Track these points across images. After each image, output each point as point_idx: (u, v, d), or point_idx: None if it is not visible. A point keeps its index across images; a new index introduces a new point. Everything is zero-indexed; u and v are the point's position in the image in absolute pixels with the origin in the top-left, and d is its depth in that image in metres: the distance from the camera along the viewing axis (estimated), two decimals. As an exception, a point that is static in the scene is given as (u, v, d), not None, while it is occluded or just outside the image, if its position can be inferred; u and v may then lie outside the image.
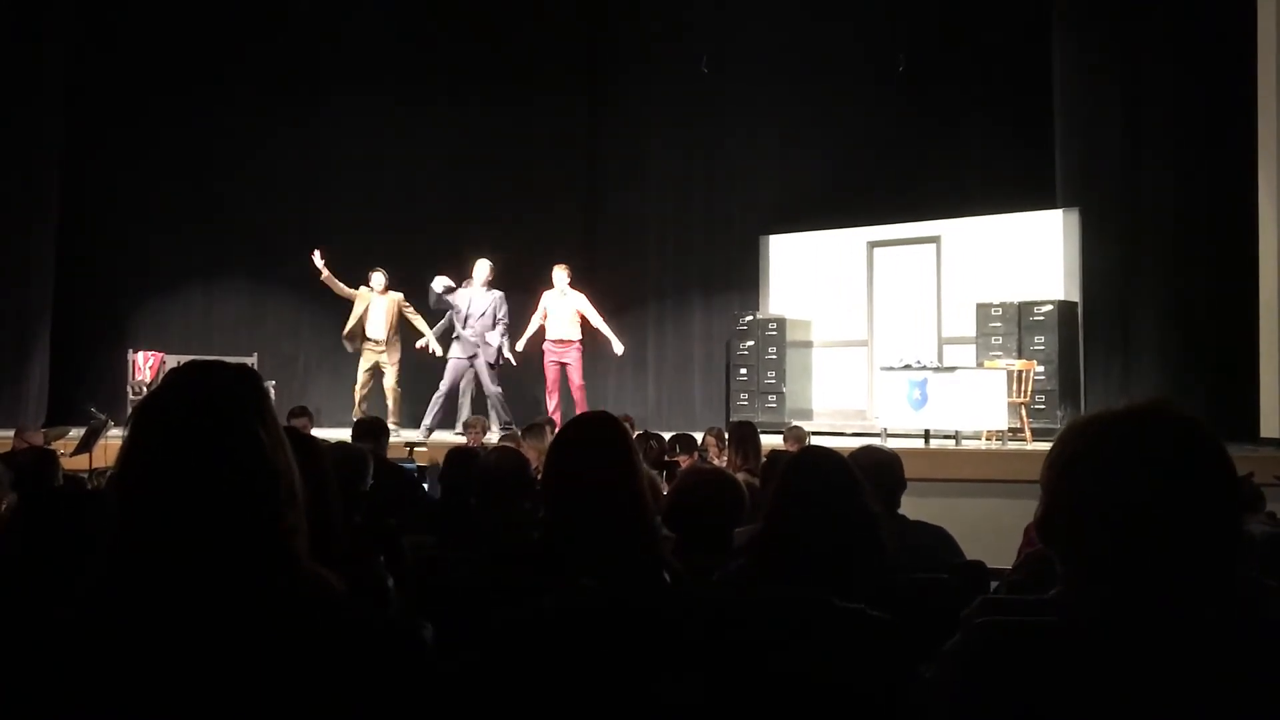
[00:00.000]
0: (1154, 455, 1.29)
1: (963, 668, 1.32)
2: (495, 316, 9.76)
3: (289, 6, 11.77)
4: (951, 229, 10.47)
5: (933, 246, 10.58)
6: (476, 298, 9.75)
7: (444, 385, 9.80)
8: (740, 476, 3.67)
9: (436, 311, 10.17)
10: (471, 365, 9.81)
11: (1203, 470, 1.29)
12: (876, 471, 3.11)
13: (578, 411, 9.55)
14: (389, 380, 10.11)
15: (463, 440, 8.09)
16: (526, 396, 10.77)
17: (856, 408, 10.71)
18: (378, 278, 10.08)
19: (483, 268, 9.82)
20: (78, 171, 11.32)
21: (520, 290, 10.29)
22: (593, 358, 10.93)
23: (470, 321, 9.73)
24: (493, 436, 8.31)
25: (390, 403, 10.03)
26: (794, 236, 11.37)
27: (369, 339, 10.06)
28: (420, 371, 10.55)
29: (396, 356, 10.16)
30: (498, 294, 9.83)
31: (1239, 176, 8.48)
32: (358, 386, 10.14)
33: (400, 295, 10.17)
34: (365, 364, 10.10)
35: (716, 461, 6.33)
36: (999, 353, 9.34)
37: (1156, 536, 1.26)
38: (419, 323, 10.15)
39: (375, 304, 10.06)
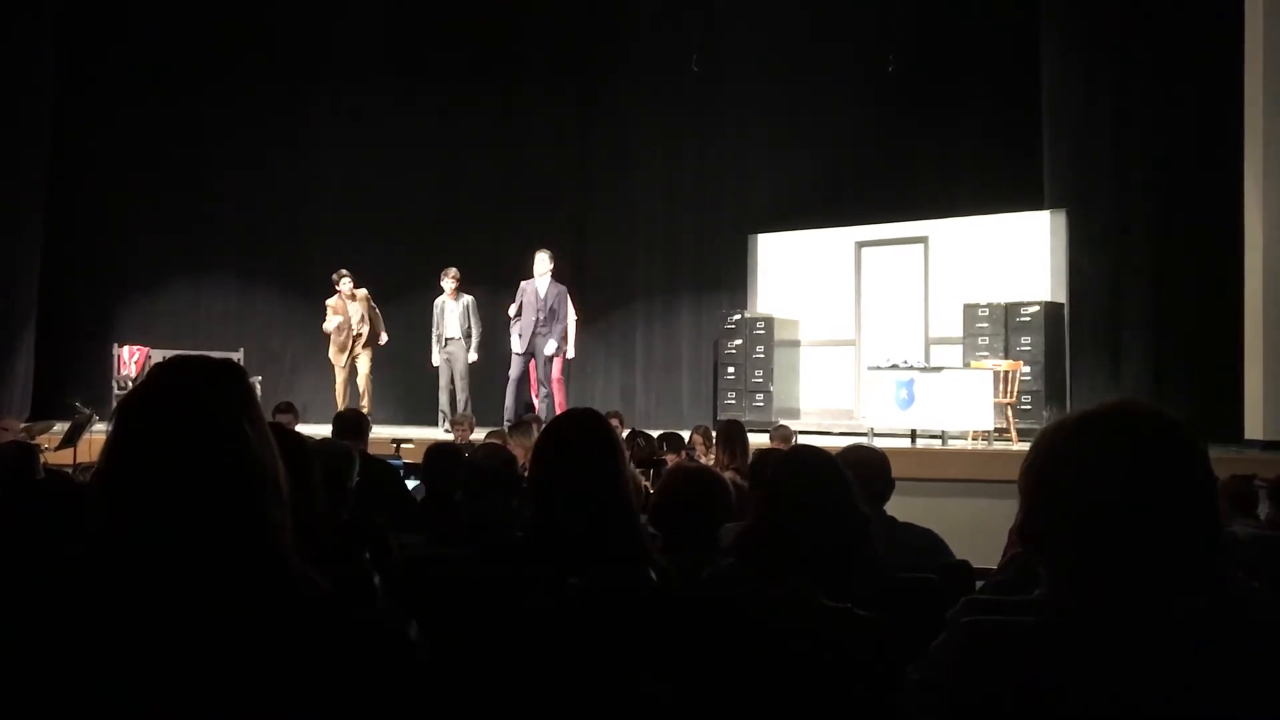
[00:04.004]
0: (1128, 453, 1.29)
1: (947, 667, 1.32)
2: (556, 308, 9.76)
3: (280, 5, 11.72)
4: (939, 229, 10.50)
5: (920, 247, 10.60)
6: (542, 287, 9.76)
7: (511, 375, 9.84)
8: (727, 475, 3.67)
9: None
10: (529, 357, 9.79)
11: (1177, 466, 1.29)
12: (862, 470, 3.11)
13: (556, 405, 9.60)
14: (363, 371, 10.21)
15: (448, 437, 8.07)
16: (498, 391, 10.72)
17: (844, 407, 10.73)
18: (345, 282, 10.16)
19: (543, 259, 9.77)
20: (65, 166, 11.27)
21: (509, 289, 10.28)
22: (583, 355, 10.93)
23: (539, 312, 9.70)
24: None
25: (364, 393, 10.07)
26: (782, 236, 11.38)
27: (348, 334, 10.12)
28: (401, 365, 10.54)
29: (371, 349, 10.22)
30: (561, 286, 9.87)
31: (1225, 179, 8.52)
32: (338, 382, 10.21)
33: (365, 291, 10.23)
34: (342, 359, 10.19)
35: (704, 460, 6.33)
36: (985, 353, 9.37)
37: (1134, 534, 1.26)
38: (377, 316, 10.25)
39: (346, 307, 10.17)
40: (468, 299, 10.20)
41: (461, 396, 10.06)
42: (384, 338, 10.30)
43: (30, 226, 10.96)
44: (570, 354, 10.29)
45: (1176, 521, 1.27)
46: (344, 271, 10.17)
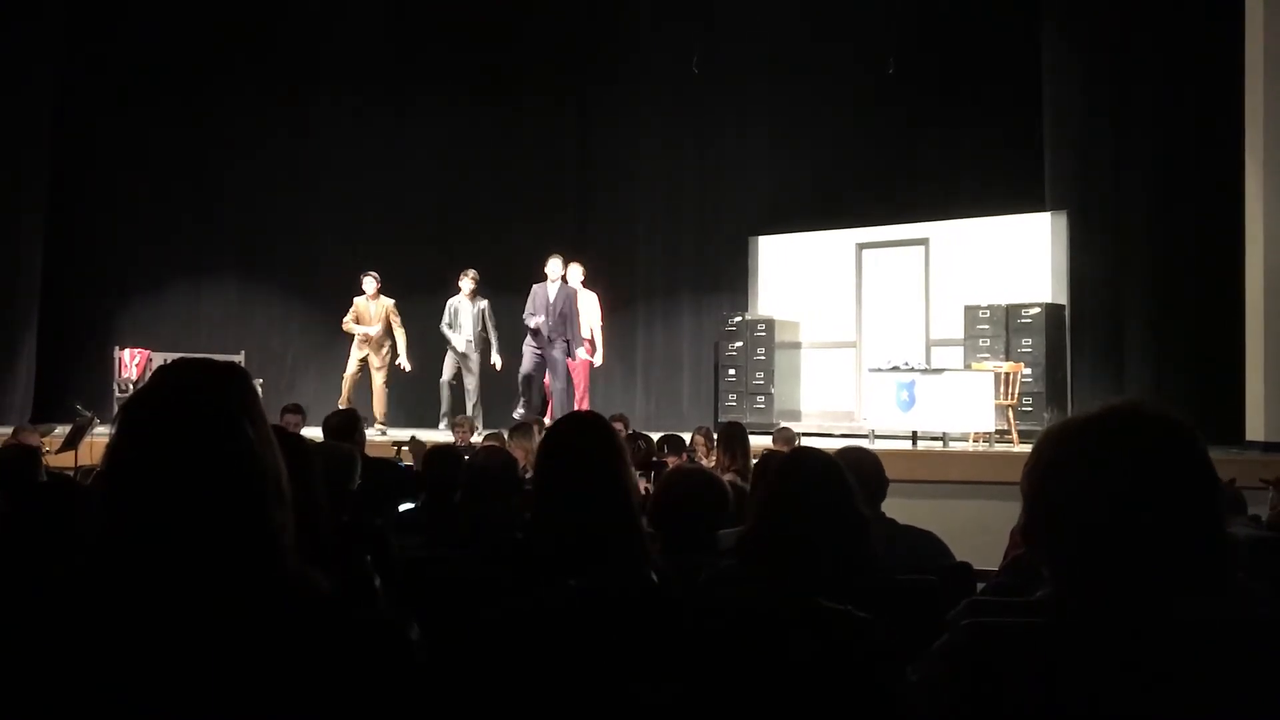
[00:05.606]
0: (1130, 454, 1.29)
1: (948, 668, 1.32)
2: (565, 312, 9.61)
3: (280, 7, 11.74)
4: (940, 231, 10.49)
5: (921, 248, 10.60)
6: (552, 292, 9.63)
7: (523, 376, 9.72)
8: (728, 477, 3.68)
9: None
10: (541, 359, 9.65)
11: (1180, 467, 1.29)
12: (856, 472, 3.10)
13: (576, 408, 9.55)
14: (378, 381, 10.09)
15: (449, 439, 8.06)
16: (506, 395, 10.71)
17: (845, 409, 10.72)
18: (369, 282, 10.08)
19: (554, 265, 9.66)
20: (66, 168, 11.28)
21: (510, 292, 10.27)
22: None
23: (548, 317, 9.57)
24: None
25: (378, 403, 10.00)
26: (783, 238, 11.37)
27: (363, 336, 10.05)
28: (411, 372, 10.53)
29: (387, 357, 10.13)
30: (571, 289, 9.75)
31: (1226, 180, 8.52)
32: (346, 382, 10.11)
33: (391, 302, 10.15)
34: (355, 360, 10.10)
35: (705, 461, 6.33)
36: (986, 355, 9.37)
37: (1137, 536, 1.26)
38: (400, 336, 10.14)
39: (368, 308, 10.07)
40: (484, 303, 10.14)
41: (471, 400, 10.00)
42: (403, 360, 10.08)
43: (30, 228, 10.97)
44: (596, 360, 10.15)
45: (1178, 523, 1.27)
46: (373, 273, 10.11)
